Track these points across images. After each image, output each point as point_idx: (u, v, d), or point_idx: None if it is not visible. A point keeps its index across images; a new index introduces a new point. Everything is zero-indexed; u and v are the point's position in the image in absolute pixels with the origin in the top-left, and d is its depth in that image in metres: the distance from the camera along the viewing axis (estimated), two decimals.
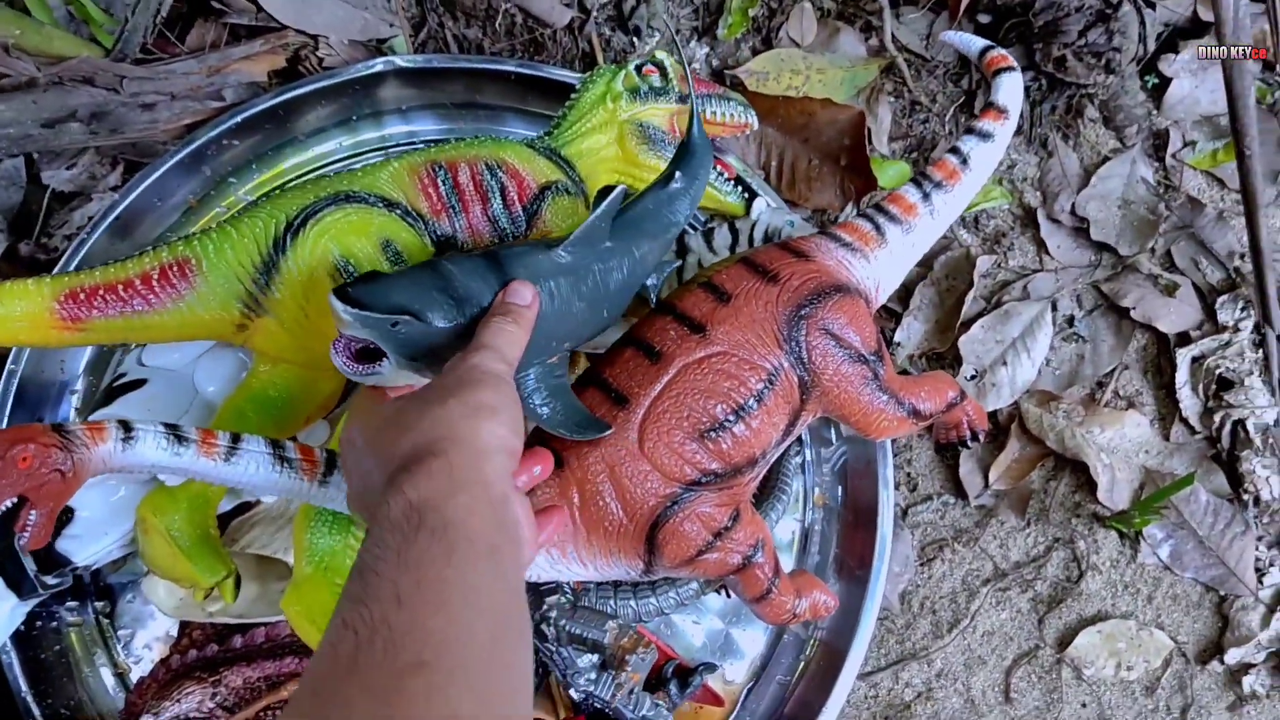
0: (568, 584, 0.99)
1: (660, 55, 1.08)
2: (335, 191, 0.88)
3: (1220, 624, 1.18)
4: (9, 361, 1.07)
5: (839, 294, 0.89)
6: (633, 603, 0.99)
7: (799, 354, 0.86)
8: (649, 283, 0.93)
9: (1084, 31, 1.27)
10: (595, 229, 0.80)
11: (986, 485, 1.21)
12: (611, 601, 0.99)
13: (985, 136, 0.99)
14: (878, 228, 0.97)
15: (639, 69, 1.06)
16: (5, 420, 1.06)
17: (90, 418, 1.05)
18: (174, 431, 0.72)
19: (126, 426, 0.71)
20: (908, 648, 1.17)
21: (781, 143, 1.29)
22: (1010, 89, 1.01)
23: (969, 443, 1.06)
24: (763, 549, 0.86)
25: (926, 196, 0.98)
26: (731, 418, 0.83)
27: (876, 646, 1.17)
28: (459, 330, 0.73)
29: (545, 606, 0.96)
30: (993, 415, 1.22)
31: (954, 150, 0.99)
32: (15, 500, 0.68)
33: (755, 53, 1.35)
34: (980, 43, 1.06)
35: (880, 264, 0.96)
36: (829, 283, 0.90)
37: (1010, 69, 1.02)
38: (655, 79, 1.06)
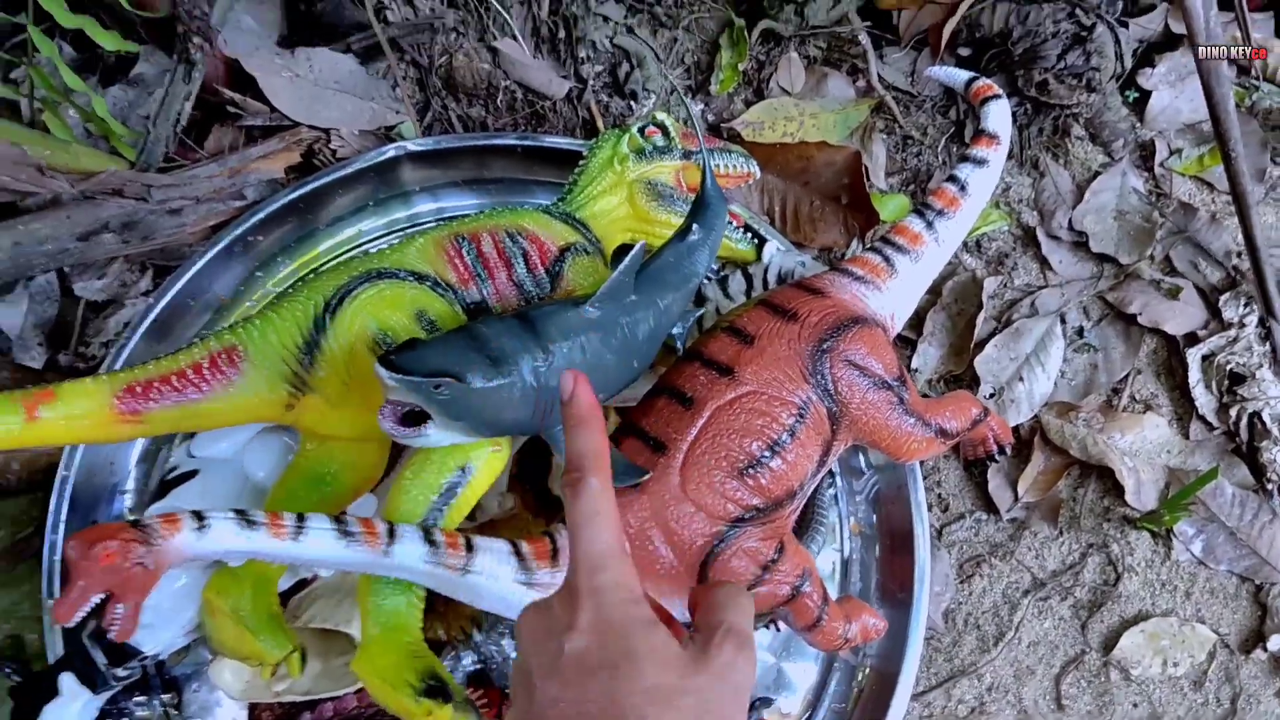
0: None
1: (660, 116, 1.12)
2: (367, 270, 0.92)
3: (1259, 612, 1.20)
4: (60, 468, 1.10)
5: (857, 325, 0.93)
6: None
7: (825, 386, 0.89)
8: (675, 332, 0.96)
9: (1062, 55, 1.31)
10: (620, 284, 0.84)
11: (1016, 499, 1.23)
12: None
13: (980, 163, 1.03)
14: (887, 259, 1.00)
15: (642, 131, 1.10)
16: (61, 526, 1.09)
17: (147, 512, 1.08)
18: (244, 516, 0.75)
19: (199, 516, 0.74)
20: (956, 665, 1.18)
21: (783, 188, 1.33)
22: (999, 116, 1.05)
23: (996, 457, 1.09)
24: (809, 578, 0.89)
25: (930, 225, 1.01)
26: (767, 453, 0.86)
27: (926, 666, 1.19)
28: (498, 390, 0.77)
29: None
30: (1015, 430, 1.24)
31: (952, 179, 1.03)
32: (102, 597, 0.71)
33: (748, 105, 1.39)
34: (965, 75, 1.10)
35: (893, 293, 1.00)
36: (847, 316, 0.93)
37: (997, 97, 1.06)
38: (658, 139, 1.10)
